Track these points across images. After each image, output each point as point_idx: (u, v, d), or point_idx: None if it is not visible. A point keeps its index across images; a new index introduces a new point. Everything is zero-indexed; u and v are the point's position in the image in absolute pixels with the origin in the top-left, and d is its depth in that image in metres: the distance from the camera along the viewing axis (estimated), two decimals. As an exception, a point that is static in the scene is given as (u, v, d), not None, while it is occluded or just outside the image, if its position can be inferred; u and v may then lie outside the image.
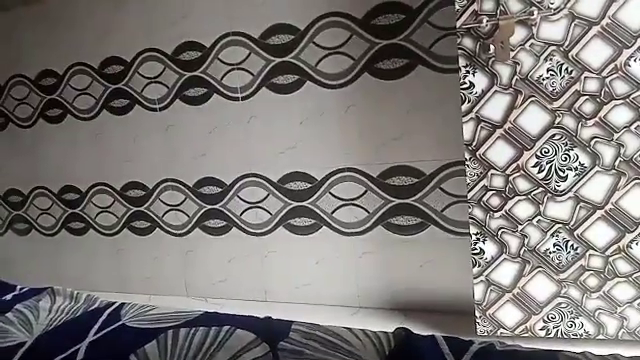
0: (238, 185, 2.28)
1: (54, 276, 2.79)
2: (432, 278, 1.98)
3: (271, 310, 2.20)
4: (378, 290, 2.08)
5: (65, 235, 2.77)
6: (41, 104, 2.65)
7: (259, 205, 2.25)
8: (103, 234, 2.67)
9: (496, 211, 1.60)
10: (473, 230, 1.63)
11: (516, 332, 1.65)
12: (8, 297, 1.14)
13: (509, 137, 1.54)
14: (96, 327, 0.95)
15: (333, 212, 2.11)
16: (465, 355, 0.70)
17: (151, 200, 2.50)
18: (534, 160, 1.53)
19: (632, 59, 1.40)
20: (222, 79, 2.21)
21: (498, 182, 1.58)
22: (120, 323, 0.97)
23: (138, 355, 0.85)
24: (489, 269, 1.64)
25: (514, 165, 1.55)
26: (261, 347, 0.83)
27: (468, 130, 1.58)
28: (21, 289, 1.23)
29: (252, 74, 2.14)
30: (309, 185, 2.13)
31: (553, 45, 1.45)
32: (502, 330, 1.66)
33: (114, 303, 1.08)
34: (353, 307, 2.12)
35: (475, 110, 1.56)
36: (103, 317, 1.00)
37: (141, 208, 2.53)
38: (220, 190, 2.32)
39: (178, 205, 2.44)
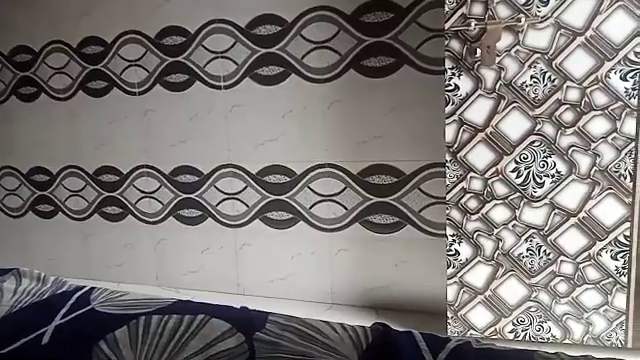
0: (216, 175, 2.24)
1: (19, 259, 2.69)
2: (406, 277, 1.99)
3: (244, 303, 2.17)
4: (352, 287, 2.08)
5: (32, 218, 2.68)
6: (14, 81, 2.56)
7: (236, 196, 2.22)
8: (72, 218, 2.59)
9: (473, 214, 1.62)
10: (449, 231, 1.65)
11: (486, 334, 1.67)
12: (-30, 277, 1.09)
13: (490, 141, 1.56)
14: (64, 311, 0.92)
15: (311, 207, 2.10)
16: (442, 352, 0.70)
17: (124, 186, 2.43)
18: (513, 165, 1.55)
19: (612, 72, 1.43)
20: (205, 67, 2.17)
21: (477, 185, 1.60)
22: (89, 307, 0.94)
23: (107, 340, 0.82)
24: (463, 271, 1.65)
25: (493, 169, 1.57)
26: (236, 337, 0.81)
27: (450, 132, 1.59)
28: (-16, 269, 1.18)
29: (236, 63, 2.11)
30: (288, 179, 2.11)
31: (538, 53, 1.47)
32: (472, 331, 1.68)
33: (83, 287, 1.04)
34: (326, 303, 2.12)
35: (458, 112, 1.57)
36: (71, 301, 0.96)
37: (113, 194, 2.47)
38: (197, 179, 2.28)
39: (152, 192, 2.38)
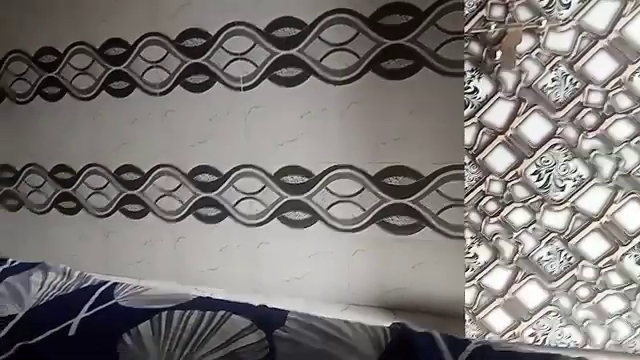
0: (234, 175, 2.26)
1: (42, 255, 2.75)
2: (424, 279, 1.98)
3: (261, 302, 2.18)
4: (369, 288, 2.08)
5: (55, 214, 2.74)
6: (39, 81, 2.62)
7: (254, 196, 2.24)
8: (94, 215, 2.64)
9: (492, 217, 1.60)
10: (468, 234, 1.64)
11: (504, 338, 1.66)
12: (-2, 270, 1.13)
13: (510, 144, 1.55)
14: (89, 304, 0.94)
15: (329, 208, 2.11)
16: (462, 353, 0.70)
17: (145, 184, 2.47)
18: (533, 168, 1.54)
19: (636, 74, 1.41)
20: (225, 68, 2.20)
21: (496, 188, 1.59)
22: (113, 302, 0.96)
23: (131, 334, 0.84)
24: (481, 274, 1.64)
25: (513, 172, 1.56)
26: (256, 334, 0.82)
27: (469, 134, 1.58)
28: (12, 262, 1.22)
29: (255, 65, 2.13)
30: (306, 179, 2.12)
31: (559, 55, 1.46)
32: (491, 335, 1.67)
33: (107, 282, 1.07)
34: (343, 303, 2.12)
35: (478, 115, 1.56)
36: (96, 295, 0.99)
37: (134, 192, 2.51)
38: (216, 179, 2.31)
39: (172, 191, 2.42)
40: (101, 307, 0.94)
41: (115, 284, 1.05)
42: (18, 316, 0.92)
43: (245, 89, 2.17)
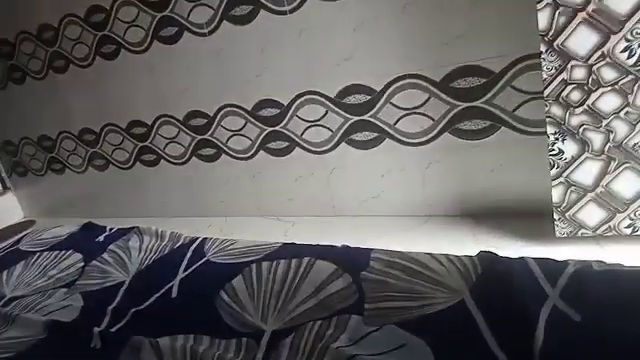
0: (296, 104, 2.23)
1: (135, 206, 2.98)
2: (505, 182, 1.91)
3: (341, 225, 2.24)
4: (448, 198, 2.05)
5: (140, 167, 2.91)
6: (95, 41, 2.66)
7: (318, 123, 2.21)
8: (174, 164, 2.77)
9: (577, 106, 1.46)
10: (550, 130, 1.52)
11: (598, 232, 1.58)
12: (101, 238, 1.23)
13: (593, 20, 1.36)
14: (184, 264, 1.01)
15: (396, 123, 2.03)
16: (560, 278, 0.66)
17: (213, 127, 2.52)
18: (623, 44, 1.35)
19: None
20: (265, -7, 2.08)
21: (579, 74, 1.43)
22: (205, 259, 1.02)
23: (227, 290, 0.89)
24: (569, 169, 1.54)
25: (599, 53, 1.38)
26: (343, 278, 0.84)
27: (544, 18, 1.40)
28: (110, 229, 1.32)
29: (296, -17, 2.00)
30: (368, 97, 2.04)
31: None
32: (583, 230, 1.60)
33: (197, 239, 1.13)
34: (423, 216, 2.12)
35: (551, -6, 1.37)
36: (189, 254, 1.05)
37: (205, 136, 2.58)
38: (279, 111, 2.29)
39: (240, 130, 2.45)
40: (196, 265, 1.01)
41: (205, 240, 1.11)
42: (126, 283, 1.02)
43: (291, 12, 2.06)
